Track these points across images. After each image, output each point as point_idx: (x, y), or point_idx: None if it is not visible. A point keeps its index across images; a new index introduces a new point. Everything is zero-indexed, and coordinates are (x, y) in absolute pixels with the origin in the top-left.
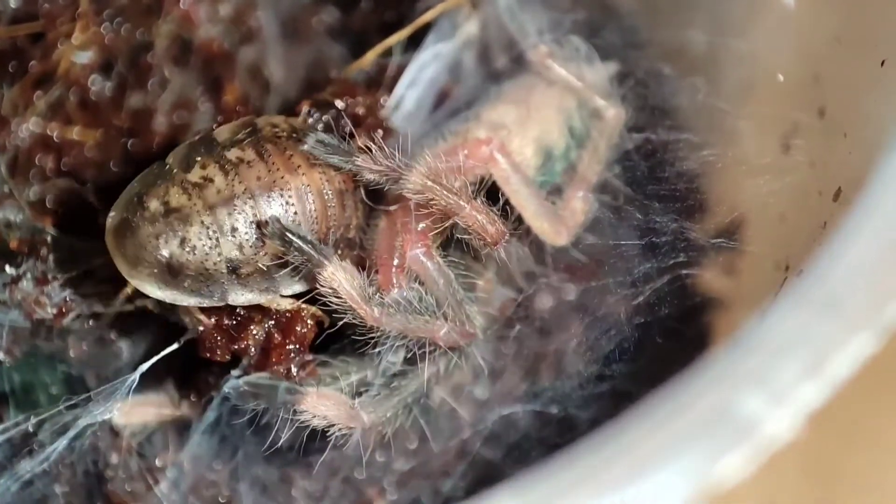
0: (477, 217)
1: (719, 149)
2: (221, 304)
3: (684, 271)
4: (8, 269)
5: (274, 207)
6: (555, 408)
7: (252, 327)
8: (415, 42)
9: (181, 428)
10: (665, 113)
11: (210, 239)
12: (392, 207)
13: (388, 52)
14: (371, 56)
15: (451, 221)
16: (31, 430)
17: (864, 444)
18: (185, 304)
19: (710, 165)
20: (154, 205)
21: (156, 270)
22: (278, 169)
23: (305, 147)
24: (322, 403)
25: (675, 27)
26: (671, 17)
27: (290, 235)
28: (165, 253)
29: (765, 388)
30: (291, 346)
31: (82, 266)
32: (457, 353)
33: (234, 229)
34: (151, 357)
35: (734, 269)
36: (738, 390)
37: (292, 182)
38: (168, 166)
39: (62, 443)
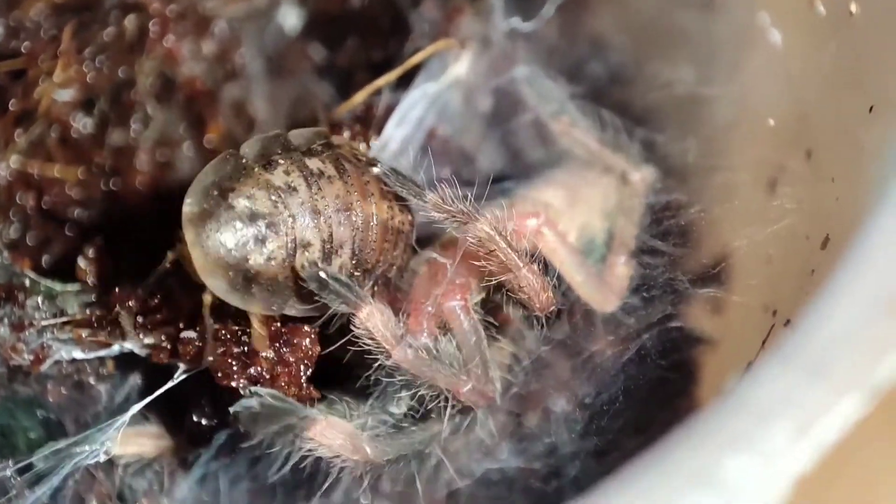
0: (531, 279)
1: (707, 199)
2: (277, 313)
3: (673, 323)
4: None
5: (344, 229)
6: (538, 463)
7: (261, 352)
8: (404, 81)
9: (169, 474)
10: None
11: (289, 251)
12: (437, 256)
13: (376, 91)
14: (361, 97)
15: (496, 280)
16: (12, 475)
17: (853, 472)
18: (249, 308)
19: (699, 216)
20: (241, 204)
21: (231, 274)
22: (355, 192)
23: (376, 170)
24: (330, 432)
25: (662, 64)
26: (659, 54)
27: (326, 279)
28: (251, 261)
29: (753, 452)
30: (300, 364)
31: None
32: (471, 414)
33: (309, 244)
34: (132, 400)
35: (722, 310)
36: (726, 453)
37: (364, 208)
38: (244, 160)
39: (45, 489)
